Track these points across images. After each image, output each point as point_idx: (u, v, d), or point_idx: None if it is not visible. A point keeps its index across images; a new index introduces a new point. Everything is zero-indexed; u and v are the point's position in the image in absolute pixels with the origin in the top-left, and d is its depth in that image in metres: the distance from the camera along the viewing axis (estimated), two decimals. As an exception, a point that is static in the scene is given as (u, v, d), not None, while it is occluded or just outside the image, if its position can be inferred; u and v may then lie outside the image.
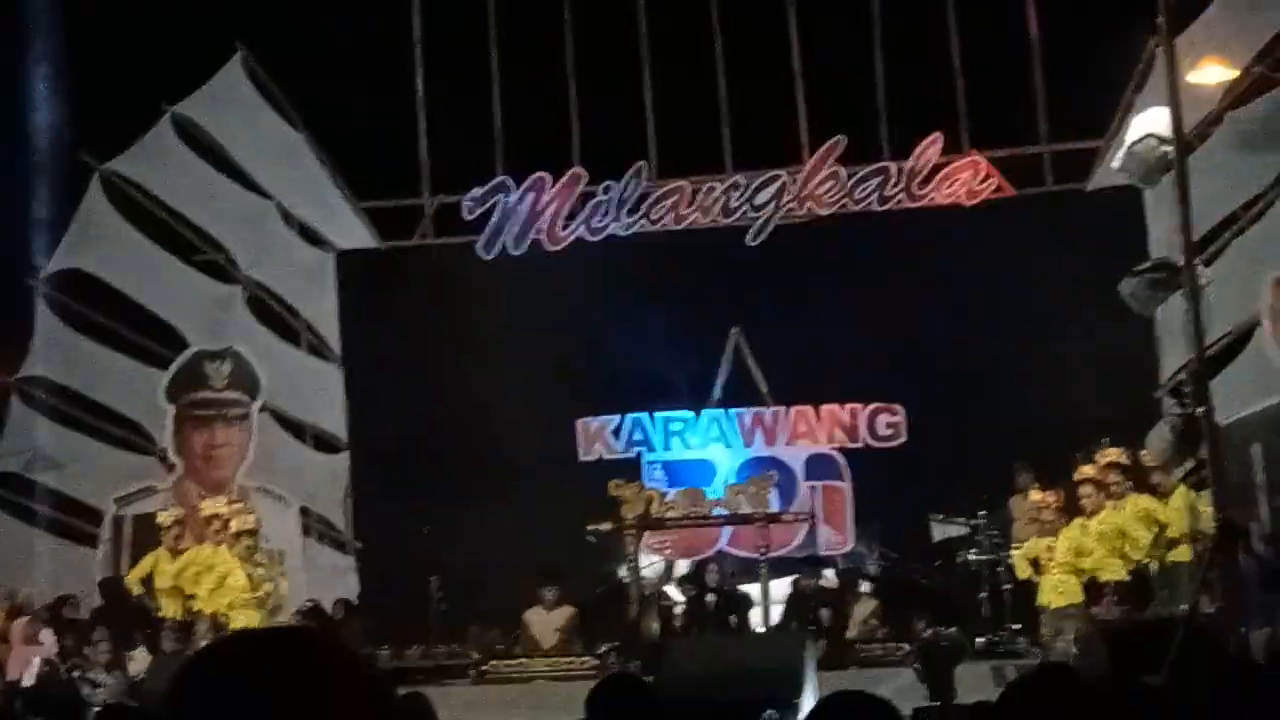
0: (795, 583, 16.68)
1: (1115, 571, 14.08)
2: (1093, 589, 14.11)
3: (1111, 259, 15.73)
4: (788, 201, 19.73)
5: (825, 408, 18.33)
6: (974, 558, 16.83)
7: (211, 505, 16.35)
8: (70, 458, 18.91)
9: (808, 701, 12.09)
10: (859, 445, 18.28)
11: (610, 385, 19.56)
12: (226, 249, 20.08)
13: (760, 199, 19.78)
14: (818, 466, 17.98)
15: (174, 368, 19.40)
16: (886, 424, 18.43)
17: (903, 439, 18.39)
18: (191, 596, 15.59)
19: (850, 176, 19.61)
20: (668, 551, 17.74)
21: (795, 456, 18.01)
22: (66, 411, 19.00)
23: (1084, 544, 14.07)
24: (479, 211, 20.19)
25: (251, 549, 15.54)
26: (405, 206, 21.06)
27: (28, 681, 13.74)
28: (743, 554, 17.09)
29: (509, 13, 20.40)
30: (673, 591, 17.65)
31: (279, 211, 20.28)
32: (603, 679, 4.79)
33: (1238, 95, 17.46)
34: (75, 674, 15.40)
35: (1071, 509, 14.48)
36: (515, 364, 20.06)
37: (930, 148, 19.45)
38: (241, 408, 19.52)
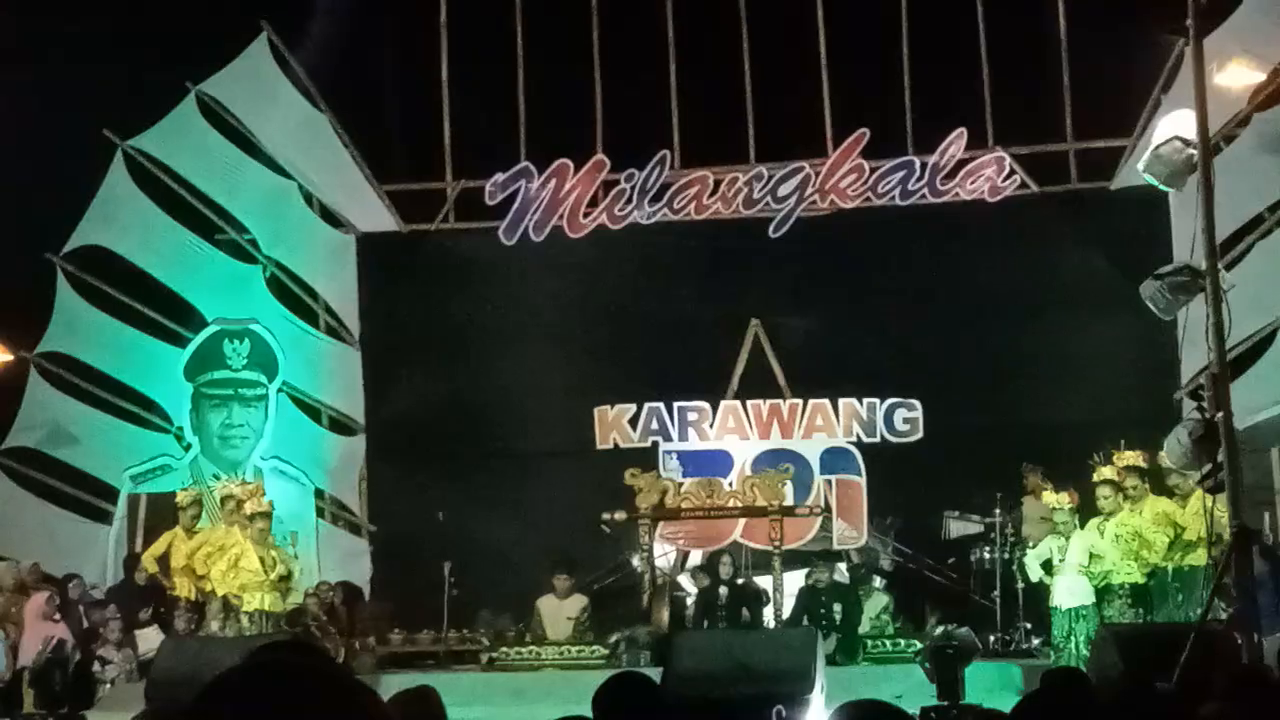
0: (808, 576, 16.62)
1: (1130, 574, 14.01)
2: (1106, 591, 14.04)
3: (1135, 258, 15.77)
4: (810, 194, 19.68)
5: (842, 401, 18.19)
6: (988, 556, 16.79)
7: (226, 486, 16.36)
8: (87, 433, 18.95)
9: (817, 698, 12.07)
10: (875, 440, 18.15)
11: (628, 374, 19.50)
12: (247, 228, 20.09)
13: (783, 191, 19.73)
14: (833, 460, 17.86)
15: (192, 346, 19.42)
16: (903, 419, 18.30)
17: (919, 435, 18.23)
18: (204, 577, 15.61)
19: (874, 170, 19.57)
20: (681, 542, 17.67)
21: (811, 450, 17.88)
22: (84, 388, 19.03)
23: (1099, 545, 14.00)
24: (501, 197, 20.18)
25: (265, 531, 15.52)
26: (428, 190, 21.04)
27: (37, 659, 13.70)
28: (756, 546, 17.02)
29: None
30: (685, 582, 17.62)
31: (300, 192, 20.31)
32: (610, 678, 4.74)
33: (1265, 98, 17.38)
34: (94, 648, 15.44)
35: (1086, 510, 14.40)
36: (533, 351, 20.08)
37: (955, 143, 19.39)
38: (259, 388, 19.54)
